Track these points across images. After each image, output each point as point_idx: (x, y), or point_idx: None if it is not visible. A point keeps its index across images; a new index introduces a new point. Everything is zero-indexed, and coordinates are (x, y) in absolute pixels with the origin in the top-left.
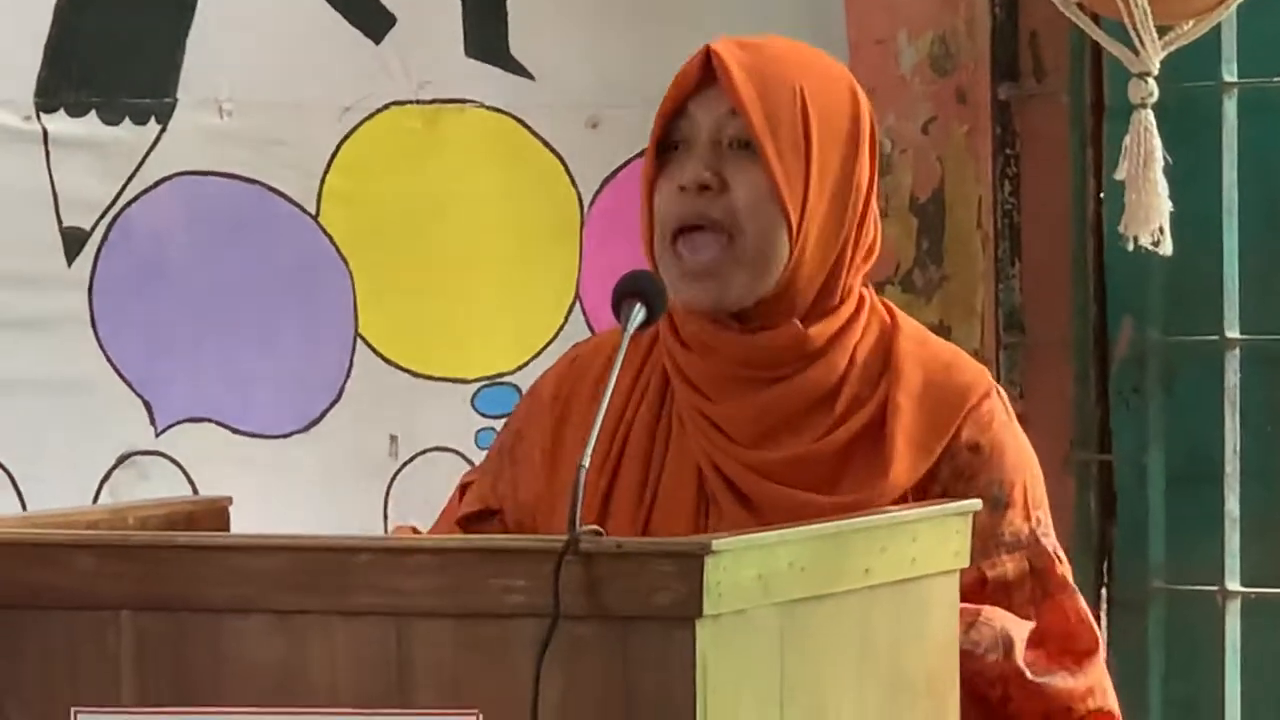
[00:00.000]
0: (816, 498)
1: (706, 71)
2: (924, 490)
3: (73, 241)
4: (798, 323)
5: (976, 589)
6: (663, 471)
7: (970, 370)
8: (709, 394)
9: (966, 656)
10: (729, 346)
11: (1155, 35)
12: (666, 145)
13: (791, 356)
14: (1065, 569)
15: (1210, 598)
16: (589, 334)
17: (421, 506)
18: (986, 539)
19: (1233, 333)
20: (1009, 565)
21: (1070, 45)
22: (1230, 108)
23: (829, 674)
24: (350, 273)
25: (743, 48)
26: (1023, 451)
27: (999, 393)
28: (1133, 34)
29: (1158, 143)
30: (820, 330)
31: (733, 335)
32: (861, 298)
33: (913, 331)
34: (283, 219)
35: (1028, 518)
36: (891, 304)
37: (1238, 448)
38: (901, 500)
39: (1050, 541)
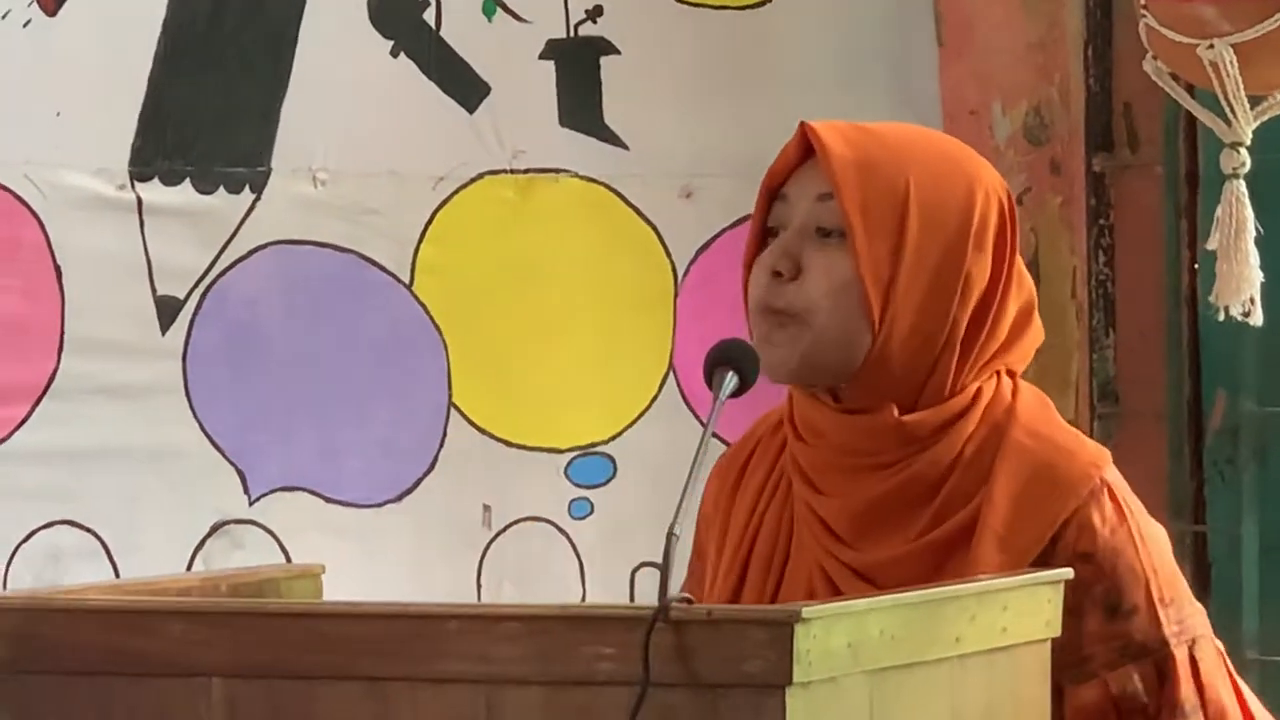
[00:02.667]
0: None
1: (805, 150)
2: None
3: (167, 310)
4: (894, 409)
5: (1104, 705)
6: (784, 571)
7: (1078, 466)
8: (818, 486)
9: None
10: (831, 429)
11: (1247, 106)
12: (767, 230)
13: (892, 444)
14: (1209, 663)
15: None
16: (682, 404)
17: (515, 576)
18: (1110, 649)
19: None
20: (1136, 677)
21: (1164, 116)
22: None
23: None
24: (444, 342)
25: (848, 126)
26: (1143, 548)
27: (1110, 489)
28: (1224, 104)
29: (1249, 213)
30: (922, 420)
31: (832, 415)
32: (979, 391)
33: (1030, 421)
34: (376, 288)
35: (1155, 620)
36: (1023, 387)
37: None
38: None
39: (1185, 637)
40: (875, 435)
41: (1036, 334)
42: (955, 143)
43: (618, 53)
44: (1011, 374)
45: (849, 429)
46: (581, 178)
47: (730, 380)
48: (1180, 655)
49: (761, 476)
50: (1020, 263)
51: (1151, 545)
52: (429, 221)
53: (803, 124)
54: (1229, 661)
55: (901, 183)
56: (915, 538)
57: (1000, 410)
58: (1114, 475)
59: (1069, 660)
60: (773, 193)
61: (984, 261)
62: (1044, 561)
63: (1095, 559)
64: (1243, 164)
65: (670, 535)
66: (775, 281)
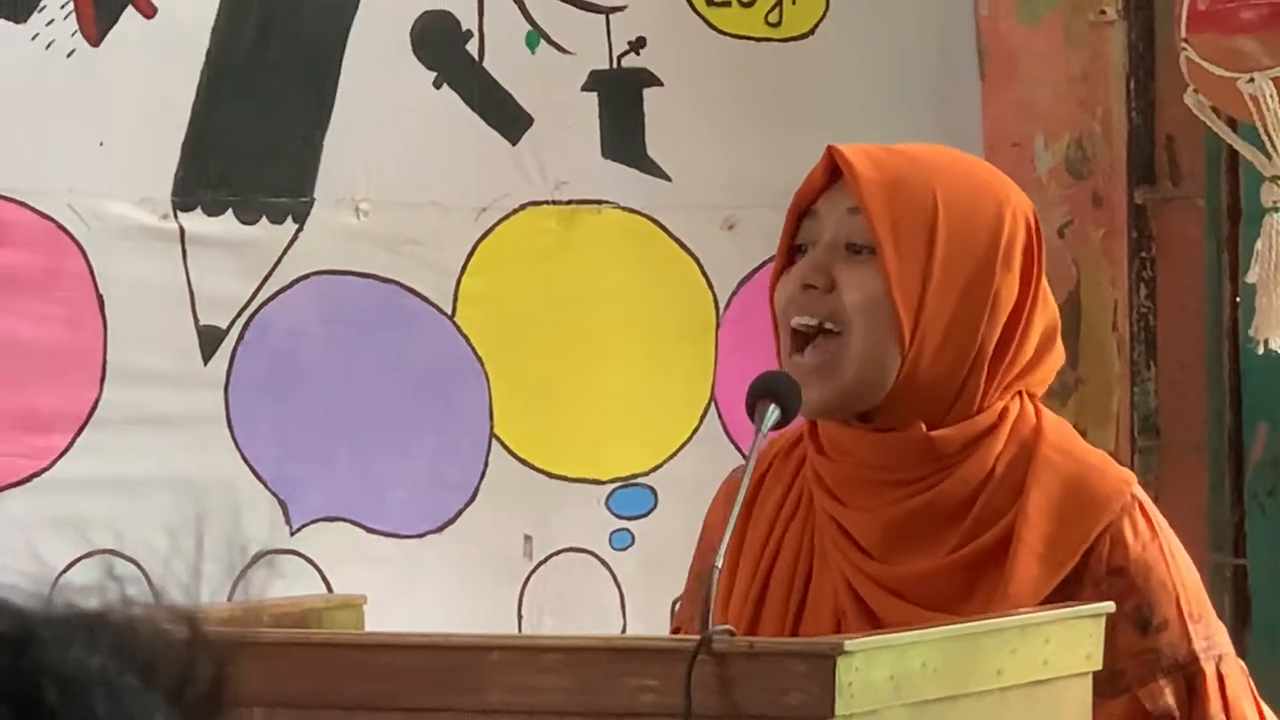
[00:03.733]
0: (942, 617)
1: (836, 172)
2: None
3: (209, 340)
4: (921, 425)
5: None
6: (808, 585)
7: (1110, 482)
8: (842, 498)
9: None
10: (858, 447)
11: None
12: (795, 247)
13: (919, 460)
14: (1235, 680)
15: None
16: (724, 435)
17: (556, 606)
18: (1142, 664)
19: None
20: (1168, 691)
21: (1206, 149)
22: None
23: None
24: (486, 373)
25: (876, 147)
26: (1173, 563)
27: (1141, 505)
28: (1264, 137)
29: None
30: (950, 436)
31: (861, 435)
32: (1005, 409)
33: (1058, 440)
34: (419, 319)
35: (1186, 635)
36: (1044, 410)
37: None
38: None
39: (1213, 654)
40: (903, 452)
41: (1058, 357)
42: (982, 163)
43: (660, 84)
44: (1032, 397)
45: (877, 446)
46: (623, 209)
47: (772, 413)
48: (1209, 671)
49: (778, 497)
50: (1045, 284)
51: (1180, 561)
52: (471, 252)
53: (830, 147)
54: (1251, 682)
55: (930, 201)
56: (946, 554)
57: (1028, 429)
58: (1141, 493)
59: (1100, 675)
60: (801, 211)
61: (1012, 281)
62: (1078, 575)
63: (1128, 573)
64: None
65: (713, 568)
66: (808, 293)
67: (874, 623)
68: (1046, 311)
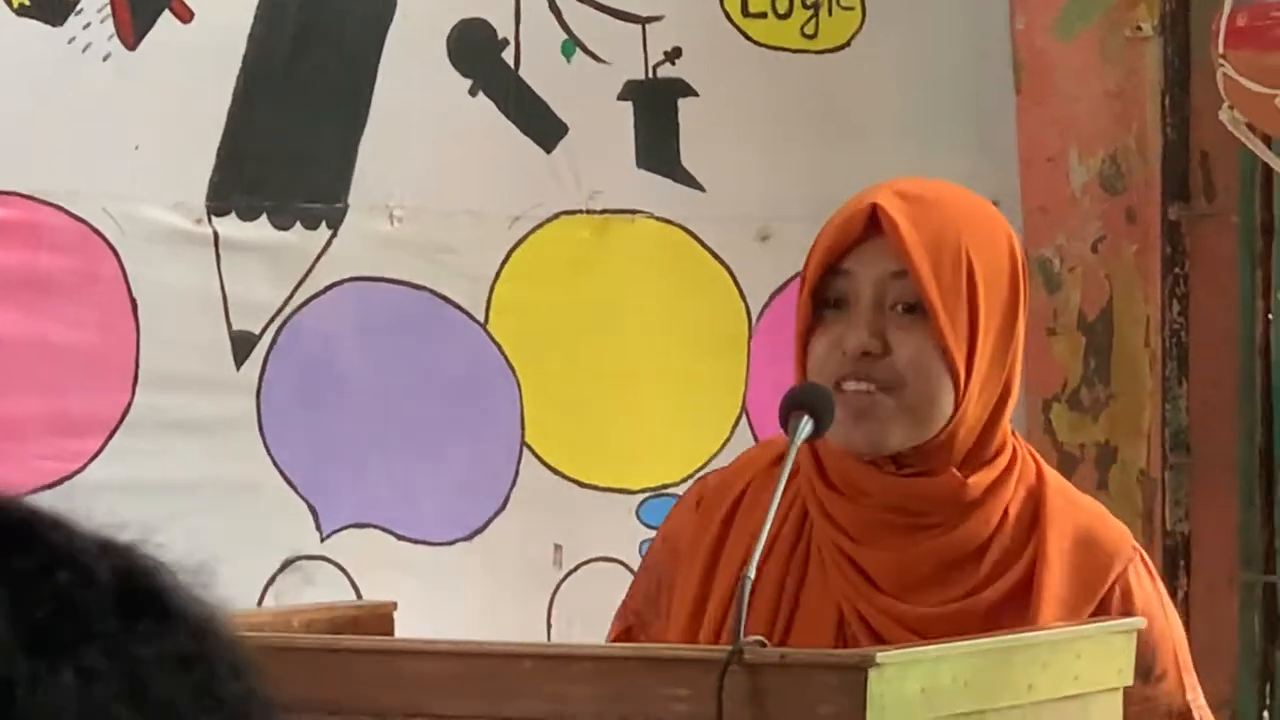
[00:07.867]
0: None
1: (868, 224)
2: None
3: (242, 345)
4: (956, 472)
5: None
6: (796, 605)
7: (1114, 532)
8: (854, 536)
9: None
10: (883, 491)
11: None
12: (824, 300)
13: (946, 505)
14: None
15: None
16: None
17: (585, 616)
18: (1141, 709)
19: None
20: None
21: (1241, 166)
22: None
23: None
24: (518, 381)
25: (906, 200)
26: (1170, 616)
27: (1141, 556)
28: None
29: None
30: (979, 481)
31: (888, 479)
32: (1015, 450)
33: (1059, 486)
34: (451, 326)
35: (1180, 685)
36: (1035, 453)
37: None
38: None
39: (1199, 703)
40: (933, 498)
41: None
42: (978, 197)
43: (695, 95)
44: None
45: (905, 491)
46: (657, 219)
47: (806, 424)
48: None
49: (760, 517)
50: None
51: (1173, 612)
52: (505, 260)
53: (875, 205)
54: None
55: (962, 252)
56: (963, 596)
57: (1031, 473)
58: (1137, 544)
59: None
60: (829, 266)
61: (1023, 312)
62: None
63: None
64: None
65: (743, 578)
66: (865, 360)
67: None
68: None
